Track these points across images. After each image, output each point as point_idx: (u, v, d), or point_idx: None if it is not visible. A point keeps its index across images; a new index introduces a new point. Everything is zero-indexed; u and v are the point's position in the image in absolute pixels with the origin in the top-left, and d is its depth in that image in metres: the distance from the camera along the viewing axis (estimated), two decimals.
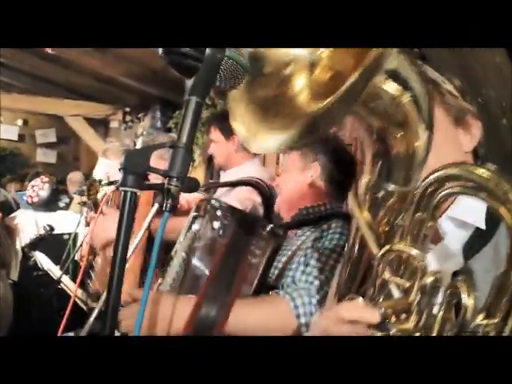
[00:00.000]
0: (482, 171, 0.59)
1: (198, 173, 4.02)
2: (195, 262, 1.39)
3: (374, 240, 0.72)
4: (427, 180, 0.65)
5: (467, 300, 0.61)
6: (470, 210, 0.81)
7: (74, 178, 5.42)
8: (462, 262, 0.80)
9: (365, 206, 0.74)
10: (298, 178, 1.55)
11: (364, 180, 0.74)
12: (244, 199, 1.98)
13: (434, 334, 0.64)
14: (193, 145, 0.75)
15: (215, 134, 2.29)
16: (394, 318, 0.66)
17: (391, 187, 0.72)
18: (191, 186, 1.62)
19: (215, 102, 4.03)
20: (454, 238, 0.83)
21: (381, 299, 0.70)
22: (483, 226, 0.80)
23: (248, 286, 1.32)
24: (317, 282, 1.29)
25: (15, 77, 6.11)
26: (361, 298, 0.70)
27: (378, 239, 0.72)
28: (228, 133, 2.23)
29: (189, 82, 0.77)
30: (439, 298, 0.65)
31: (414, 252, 0.67)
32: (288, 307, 1.26)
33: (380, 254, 0.68)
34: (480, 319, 0.60)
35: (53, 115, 7.03)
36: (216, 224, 1.36)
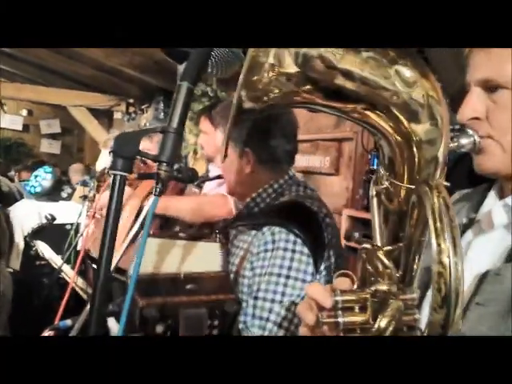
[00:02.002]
0: None
1: (201, 165, 4.02)
2: None
3: (379, 232, 0.73)
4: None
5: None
6: None
7: (76, 168, 5.46)
8: (500, 264, 0.75)
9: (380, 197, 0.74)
10: (237, 167, 1.46)
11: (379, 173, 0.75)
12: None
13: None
14: (183, 130, 0.76)
15: (205, 125, 2.28)
16: (349, 309, 0.68)
17: (391, 181, 0.71)
18: (190, 176, 1.63)
19: (218, 94, 4.02)
20: (507, 232, 0.78)
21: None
22: None
23: None
24: (270, 325, 1.26)
25: (19, 66, 6.13)
26: (354, 277, 0.71)
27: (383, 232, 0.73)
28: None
29: (180, 68, 0.78)
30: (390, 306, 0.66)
31: (386, 261, 0.68)
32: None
33: (362, 247, 0.70)
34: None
35: (57, 106, 7.03)
36: (159, 328, 1.20)
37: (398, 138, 0.68)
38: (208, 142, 2.28)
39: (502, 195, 0.82)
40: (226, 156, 0.74)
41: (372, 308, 0.67)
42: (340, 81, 0.64)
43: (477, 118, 0.77)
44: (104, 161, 3.38)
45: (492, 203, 0.82)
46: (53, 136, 8.15)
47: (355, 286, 0.71)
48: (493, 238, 0.79)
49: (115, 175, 0.69)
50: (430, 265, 0.82)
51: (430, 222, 0.57)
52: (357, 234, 2.59)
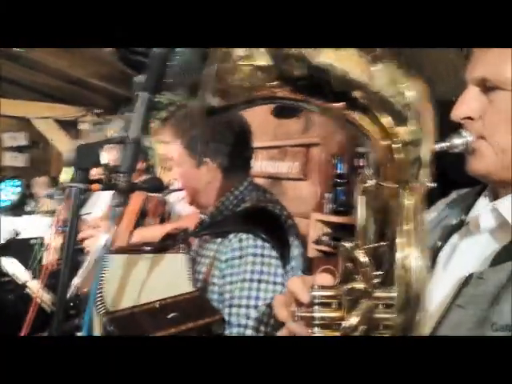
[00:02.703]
0: None
1: (168, 175, 3.99)
2: None
3: (361, 230, 0.72)
4: None
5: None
6: None
7: (40, 181, 5.35)
8: (484, 268, 0.75)
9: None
10: (195, 178, 1.47)
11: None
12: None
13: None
14: (142, 140, 0.76)
15: (169, 135, 2.24)
16: (326, 305, 0.69)
17: (375, 180, 0.71)
18: (155, 186, 1.62)
19: (175, 102, 4.00)
20: (493, 237, 0.77)
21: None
22: None
23: None
24: (249, 331, 1.28)
25: None
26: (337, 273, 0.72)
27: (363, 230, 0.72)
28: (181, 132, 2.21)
29: (138, 78, 0.78)
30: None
31: (363, 259, 0.68)
32: None
33: (341, 245, 0.70)
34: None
35: (22, 118, 6.88)
36: None
37: (380, 138, 0.66)
38: (172, 151, 2.25)
39: (492, 198, 0.80)
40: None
41: (346, 305, 0.68)
42: (316, 77, 0.61)
43: (470, 118, 0.76)
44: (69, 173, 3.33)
45: (482, 206, 0.81)
46: (17, 149, 7.96)
47: (336, 282, 0.72)
48: (479, 242, 0.78)
49: (73, 188, 0.68)
50: None
51: (398, 223, 0.58)
52: (325, 238, 2.62)
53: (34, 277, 2.80)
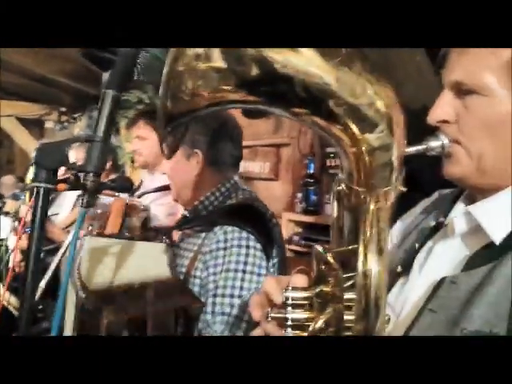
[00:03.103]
0: None
1: (139, 174, 3.94)
2: None
3: (335, 231, 0.72)
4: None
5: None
6: (497, 214, 0.72)
7: (7, 181, 5.19)
8: (458, 272, 0.74)
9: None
10: (184, 170, 1.48)
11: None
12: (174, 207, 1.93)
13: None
14: (109, 139, 0.74)
15: (145, 131, 2.20)
16: (299, 306, 0.69)
17: (346, 184, 0.69)
18: (124, 185, 1.59)
19: (154, 100, 3.97)
20: (466, 241, 0.76)
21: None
22: (497, 241, 0.71)
23: None
24: (232, 319, 1.29)
25: None
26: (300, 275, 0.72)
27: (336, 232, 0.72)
28: (156, 130, 2.18)
29: (105, 76, 0.76)
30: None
31: (333, 264, 0.67)
32: None
33: (315, 248, 0.69)
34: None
35: None
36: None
37: (349, 144, 0.65)
38: (149, 148, 2.21)
39: (469, 202, 0.80)
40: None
41: (316, 307, 0.68)
42: (278, 83, 0.59)
43: (447, 121, 0.75)
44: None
45: (458, 210, 0.80)
46: None
47: (310, 284, 0.72)
48: (453, 246, 0.77)
49: (38, 188, 0.66)
50: (394, 267, 0.83)
51: (361, 229, 0.57)
52: (296, 237, 2.63)
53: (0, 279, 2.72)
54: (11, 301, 2.52)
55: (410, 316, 0.76)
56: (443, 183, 0.87)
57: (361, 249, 0.57)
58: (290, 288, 0.70)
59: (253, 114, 2.98)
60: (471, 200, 0.79)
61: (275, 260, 1.41)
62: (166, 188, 1.92)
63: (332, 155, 2.65)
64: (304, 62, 0.59)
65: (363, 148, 0.65)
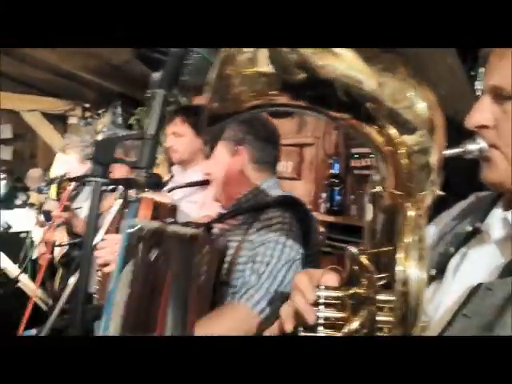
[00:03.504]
0: None
1: (160, 171, 3.98)
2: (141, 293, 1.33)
3: (368, 232, 0.72)
4: None
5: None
6: None
7: (34, 174, 5.28)
8: (493, 279, 0.74)
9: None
10: (228, 166, 1.54)
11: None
12: (211, 204, 1.95)
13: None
14: (160, 137, 0.76)
15: (182, 128, 2.22)
16: (331, 305, 0.70)
17: (382, 186, 0.70)
18: (153, 181, 1.62)
19: (178, 99, 4.00)
20: (502, 247, 0.76)
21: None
22: None
23: (204, 300, 1.32)
24: (269, 280, 1.32)
25: None
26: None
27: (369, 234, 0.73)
28: (200, 129, 2.20)
29: (155, 75, 0.78)
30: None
31: (368, 265, 0.68)
32: (246, 309, 1.30)
33: (347, 249, 0.70)
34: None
35: (8, 111, 6.79)
36: (153, 252, 1.31)
37: (388, 147, 0.65)
38: (185, 145, 2.23)
39: (507, 207, 0.79)
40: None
41: (349, 308, 0.68)
42: (321, 87, 0.61)
43: (485, 126, 0.75)
44: (60, 166, 3.29)
45: (496, 215, 0.80)
46: (4, 142, 7.85)
47: (342, 284, 0.73)
48: (489, 252, 0.77)
49: (94, 182, 0.68)
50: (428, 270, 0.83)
51: (401, 235, 0.58)
52: (320, 237, 2.64)
53: (24, 271, 2.78)
54: (39, 295, 2.58)
55: (443, 320, 0.75)
56: (479, 186, 0.87)
57: (401, 255, 0.57)
58: (323, 287, 0.71)
59: (278, 113, 3.00)
60: (509, 205, 0.79)
61: (309, 252, 1.44)
62: (197, 184, 1.94)
63: (357, 156, 2.65)
64: (345, 67, 0.61)
65: (402, 151, 0.66)
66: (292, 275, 1.35)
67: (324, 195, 2.80)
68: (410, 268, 0.57)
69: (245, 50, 0.61)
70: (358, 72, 0.61)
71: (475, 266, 0.78)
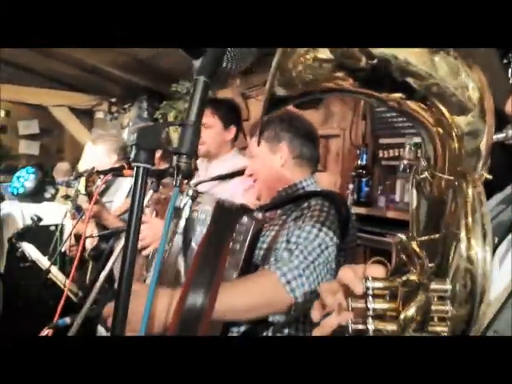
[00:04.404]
0: None
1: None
2: (176, 252, 1.40)
3: (415, 220, 0.73)
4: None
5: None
6: None
7: (62, 167, 5.38)
8: None
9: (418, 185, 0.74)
10: (269, 163, 1.59)
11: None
12: (245, 192, 1.96)
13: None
14: (201, 123, 0.77)
15: (211, 119, 2.26)
16: (380, 296, 0.69)
17: (431, 172, 0.70)
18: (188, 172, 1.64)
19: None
20: None
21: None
22: None
23: (232, 270, 1.35)
24: (300, 258, 1.33)
25: None
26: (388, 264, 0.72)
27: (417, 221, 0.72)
28: (228, 122, 2.23)
29: (196, 63, 0.79)
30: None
31: (420, 252, 0.67)
32: (275, 277, 1.29)
33: (397, 238, 0.69)
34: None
35: (36, 106, 6.91)
36: (195, 214, 1.37)
37: (439, 129, 0.66)
38: (213, 137, 2.26)
39: None
40: (259, 143, 0.74)
41: (402, 297, 0.67)
42: (376, 68, 0.62)
43: None
44: (88, 159, 3.34)
45: None
46: (31, 137, 8.00)
47: (388, 274, 0.72)
48: None
49: (138, 167, 0.69)
50: None
51: (462, 215, 0.57)
52: (357, 234, 2.63)
53: (55, 263, 2.84)
54: (70, 286, 2.63)
55: (492, 310, 0.74)
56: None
57: (463, 234, 0.56)
58: (371, 278, 0.71)
59: (303, 104, 2.99)
60: None
61: (346, 246, 1.45)
62: (229, 176, 1.96)
63: (385, 146, 2.62)
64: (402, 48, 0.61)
65: (453, 133, 0.65)
66: (323, 259, 1.35)
67: (351, 186, 2.78)
68: (474, 246, 0.56)
69: None
70: (413, 51, 0.62)
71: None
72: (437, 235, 0.70)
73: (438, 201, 0.70)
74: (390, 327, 0.67)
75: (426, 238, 0.71)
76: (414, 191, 0.75)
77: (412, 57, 0.62)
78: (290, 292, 1.27)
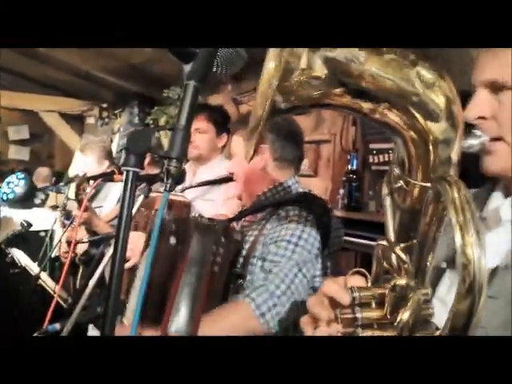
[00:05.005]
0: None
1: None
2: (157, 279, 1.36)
3: (392, 226, 0.74)
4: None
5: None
6: None
7: (42, 172, 5.32)
8: (508, 259, 0.77)
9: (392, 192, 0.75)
10: (250, 165, 1.53)
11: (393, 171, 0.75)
12: (230, 200, 1.96)
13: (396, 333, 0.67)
14: (191, 128, 0.77)
15: (207, 125, 2.28)
16: (372, 305, 0.71)
17: (406, 180, 0.71)
18: (179, 176, 1.63)
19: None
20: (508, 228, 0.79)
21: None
22: None
23: (215, 291, 1.35)
24: (276, 282, 1.32)
25: None
26: (368, 274, 0.73)
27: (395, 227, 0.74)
28: (221, 129, 2.24)
29: (186, 68, 0.79)
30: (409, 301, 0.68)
31: (403, 256, 0.70)
32: (249, 310, 1.30)
33: (378, 244, 0.72)
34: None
35: (26, 111, 6.88)
36: (172, 239, 1.35)
37: (415, 137, 0.68)
38: (206, 142, 2.28)
39: (507, 194, 0.83)
40: (252, 156, 0.75)
41: (390, 303, 0.69)
42: (366, 83, 0.65)
43: (483, 118, 0.78)
44: (78, 165, 3.33)
45: (499, 201, 0.83)
46: (21, 142, 7.95)
47: (369, 284, 0.74)
48: (499, 234, 0.80)
49: (128, 171, 0.69)
50: (438, 263, 0.85)
51: (453, 217, 0.57)
52: (341, 236, 2.63)
53: (44, 269, 2.82)
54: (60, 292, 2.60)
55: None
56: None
57: (457, 235, 0.57)
58: (356, 288, 0.71)
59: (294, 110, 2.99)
60: (508, 191, 0.83)
61: (327, 251, 1.43)
62: (219, 182, 1.95)
63: (375, 152, 2.64)
64: (384, 64, 0.65)
65: (428, 140, 0.68)
66: (301, 277, 1.34)
67: (342, 191, 2.79)
68: (470, 243, 0.57)
69: (302, 57, 0.64)
70: (393, 67, 0.66)
71: (488, 250, 0.79)
72: (414, 241, 0.72)
73: (410, 208, 0.72)
74: (386, 334, 0.68)
75: (407, 243, 0.72)
76: (388, 199, 0.76)
77: (392, 70, 0.66)
78: (265, 324, 1.29)
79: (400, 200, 0.73)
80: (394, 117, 0.68)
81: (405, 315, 0.65)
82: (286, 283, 1.32)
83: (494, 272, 0.76)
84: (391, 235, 0.75)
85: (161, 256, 1.33)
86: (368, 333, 0.69)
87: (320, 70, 0.64)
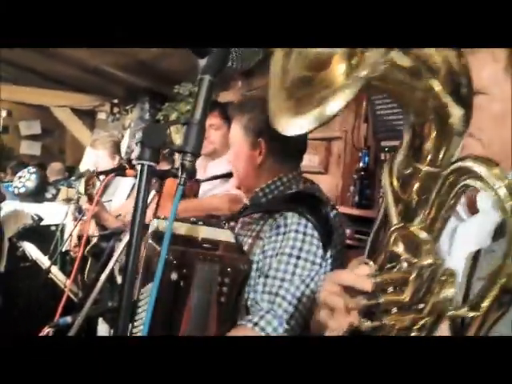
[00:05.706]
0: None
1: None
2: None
3: (395, 211, 0.74)
4: (451, 167, 0.68)
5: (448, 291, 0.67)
6: None
7: (55, 167, 5.39)
8: (489, 243, 0.82)
9: (395, 178, 0.77)
10: (248, 159, 1.50)
11: (398, 157, 0.76)
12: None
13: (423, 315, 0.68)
14: (205, 122, 0.77)
15: (218, 121, 2.36)
16: (389, 290, 0.70)
17: (417, 166, 0.73)
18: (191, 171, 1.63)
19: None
20: (489, 215, 0.83)
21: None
22: None
23: (223, 320, 1.30)
24: (279, 299, 1.29)
25: None
26: (371, 263, 0.73)
27: (400, 212, 0.74)
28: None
29: (202, 62, 0.79)
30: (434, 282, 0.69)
31: (423, 236, 0.70)
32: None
33: (393, 228, 0.71)
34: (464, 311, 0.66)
35: (38, 106, 6.94)
36: (174, 275, 1.28)
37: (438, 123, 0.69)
38: (221, 138, 2.35)
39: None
40: None
41: (415, 285, 0.68)
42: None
43: None
44: (89, 160, 3.35)
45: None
46: (33, 137, 8.02)
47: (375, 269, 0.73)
48: (477, 222, 0.86)
49: (143, 165, 0.70)
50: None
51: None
52: (348, 231, 2.62)
53: (55, 263, 2.84)
54: (70, 286, 2.63)
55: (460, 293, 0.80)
56: None
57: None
58: (377, 272, 0.71)
59: None
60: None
61: (333, 251, 1.40)
62: (222, 176, 1.96)
63: (387, 149, 2.62)
64: None
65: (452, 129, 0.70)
66: (309, 293, 1.30)
67: (352, 189, 2.78)
68: None
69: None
70: None
71: (467, 236, 0.87)
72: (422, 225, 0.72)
73: (408, 198, 0.74)
74: (406, 317, 0.69)
75: (425, 224, 0.72)
76: (389, 188, 0.77)
77: None
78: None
79: (400, 190, 0.75)
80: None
81: (449, 293, 0.66)
82: (294, 304, 1.29)
83: (476, 256, 0.81)
84: (394, 222, 0.74)
85: (164, 291, 1.25)
86: (396, 319, 0.69)
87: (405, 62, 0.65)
